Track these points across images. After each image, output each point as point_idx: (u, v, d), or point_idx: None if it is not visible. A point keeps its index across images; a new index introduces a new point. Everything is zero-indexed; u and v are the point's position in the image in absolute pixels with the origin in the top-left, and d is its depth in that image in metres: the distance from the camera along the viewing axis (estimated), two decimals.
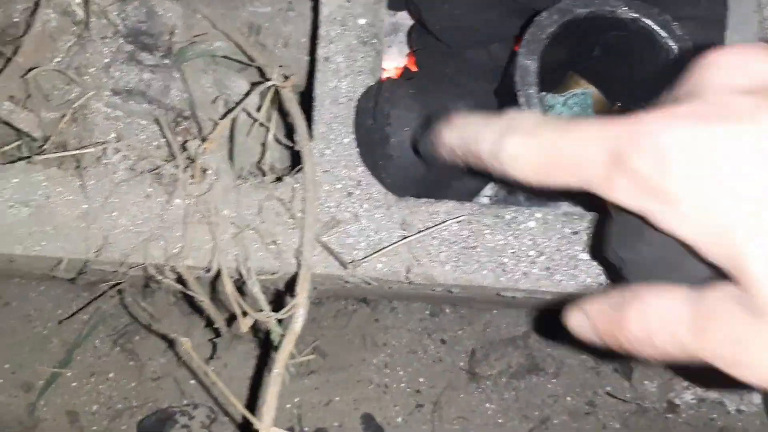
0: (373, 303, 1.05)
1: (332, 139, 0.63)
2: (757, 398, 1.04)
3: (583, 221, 0.63)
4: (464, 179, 0.64)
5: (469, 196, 0.76)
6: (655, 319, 0.37)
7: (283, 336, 0.63)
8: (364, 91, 0.64)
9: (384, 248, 0.61)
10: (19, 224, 0.59)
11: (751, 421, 1.03)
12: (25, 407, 0.97)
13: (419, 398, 1.02)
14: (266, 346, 0.99)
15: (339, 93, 0.63)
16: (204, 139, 0.60)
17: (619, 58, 0.73)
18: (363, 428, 0.97)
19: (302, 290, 0.57)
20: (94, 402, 0.98)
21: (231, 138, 0.62)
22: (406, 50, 0.86)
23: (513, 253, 0.62)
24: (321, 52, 0.64)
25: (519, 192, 0.76)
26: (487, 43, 0.72)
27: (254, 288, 0.58)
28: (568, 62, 0.77)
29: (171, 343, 0.99)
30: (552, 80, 0.77)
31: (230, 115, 0.58)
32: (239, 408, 0.54)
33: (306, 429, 0.99)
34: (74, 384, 0.98)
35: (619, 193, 0.35)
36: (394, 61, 0.84)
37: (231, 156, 0.62)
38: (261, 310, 0.59)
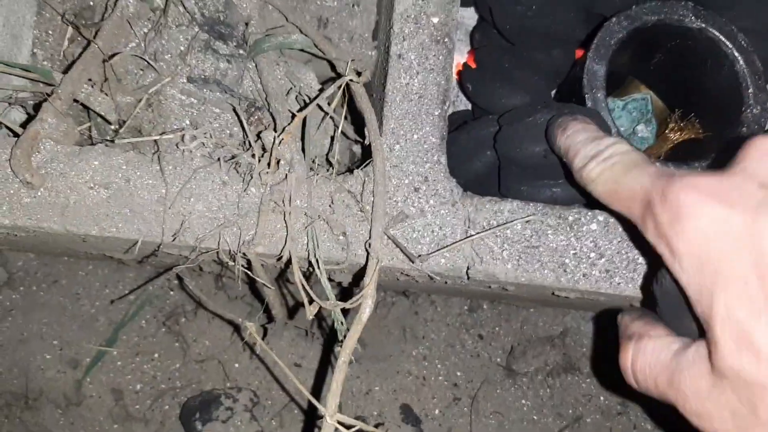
0: (412, 296, 1.06)
1: (401, 135, 0.64)
2: None
3: None
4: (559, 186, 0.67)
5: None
6: (643, 361, 0.44)
7: (343, 325, 0.64)
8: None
9: (449, 245, 0.62)
10: (98, 205, 0.60)
11: None
12: (72, 383, 0.98)
13: (456, 392, 1.04)
14: (309, 335, 1.01)
15: (410, 90, 0.64)
16: (280, 130, 0.61)
17: (681, 66, 0.74)
18: (402, 418, 0.98)
19: (371, 281, 0.59)
20: (138, 381, 1.00)
21: (303, 130, 0.63)
22: (466, 48, 0.86)
23: (574, 254, 0.63)
24: (394, 48, 0.64)
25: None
26: (552, 46, 0.73)
27: (323, 277, 0.60)
28: (630, 66, 0.77)
29: (220, 326, 1.00)
30: (612, 84, 0.78)
31: (308, 108, 0.59)
32: (306, 395, 0.55)
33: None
34: (119, 363, 1.00)
35: (646, 231, 0.42)
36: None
37: (303, 148, 0.63)
38: (327, 299, 0.61)
